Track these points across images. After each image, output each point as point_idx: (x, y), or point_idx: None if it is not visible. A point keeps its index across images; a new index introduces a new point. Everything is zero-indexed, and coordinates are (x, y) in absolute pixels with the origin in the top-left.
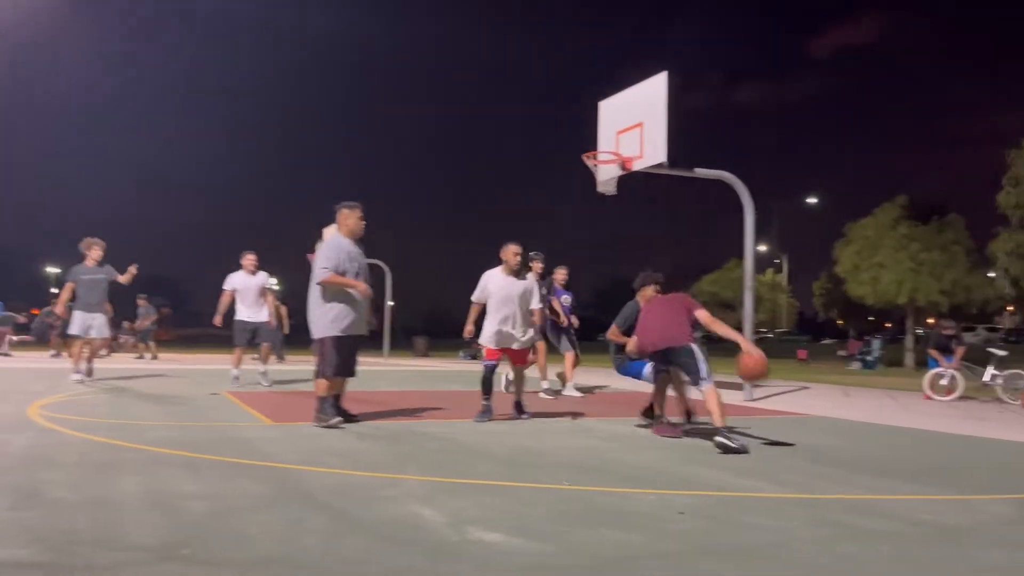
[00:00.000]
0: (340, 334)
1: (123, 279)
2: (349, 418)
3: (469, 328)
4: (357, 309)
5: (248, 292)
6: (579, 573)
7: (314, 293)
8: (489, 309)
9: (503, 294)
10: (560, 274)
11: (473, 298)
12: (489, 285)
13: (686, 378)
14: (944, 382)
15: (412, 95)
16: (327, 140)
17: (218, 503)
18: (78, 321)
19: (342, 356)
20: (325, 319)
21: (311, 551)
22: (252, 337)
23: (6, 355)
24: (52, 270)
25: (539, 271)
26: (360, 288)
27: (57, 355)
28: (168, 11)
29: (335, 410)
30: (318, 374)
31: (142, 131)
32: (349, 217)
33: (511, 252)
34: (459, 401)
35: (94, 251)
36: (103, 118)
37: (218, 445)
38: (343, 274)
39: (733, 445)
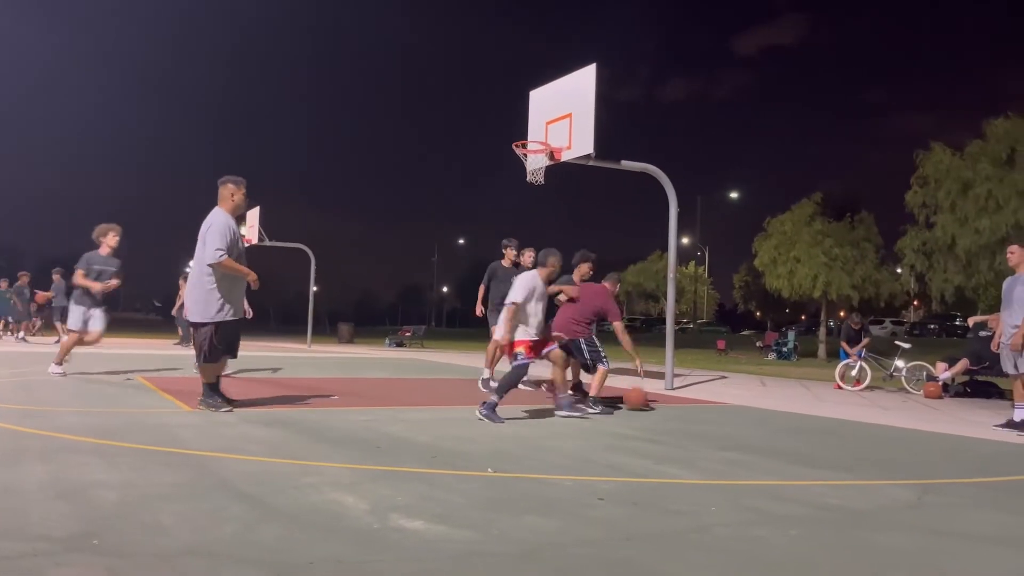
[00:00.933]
0: (229, 319)
1: (112, 285)
2: (229, 402)
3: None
4: (240, 292)
5: None
6: (503, 560)
7: (202, 274)
8: (528, 310)
9: (541, 296)
10: (527, 256)
11: (519, 300)
12: (535, 288)
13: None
14: (854, 373)
15: (345, 80)
16: (257, 120)
17: (131, 492)
18: (78, 315)
19: (228, 340)
20: (212, 304)
21: (228, 540)
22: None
23: None
24: None
25: (529, 262)
26: (252, 277)
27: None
28: None
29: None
30: (207, 359)
31: (63, 109)
32: (236, 193)
33: (555, 262)
34: (383, 389)
35: (111, 238)
36: (20, 95)
37: (132, 432)
38: (234, 257)
39: (593, 410)
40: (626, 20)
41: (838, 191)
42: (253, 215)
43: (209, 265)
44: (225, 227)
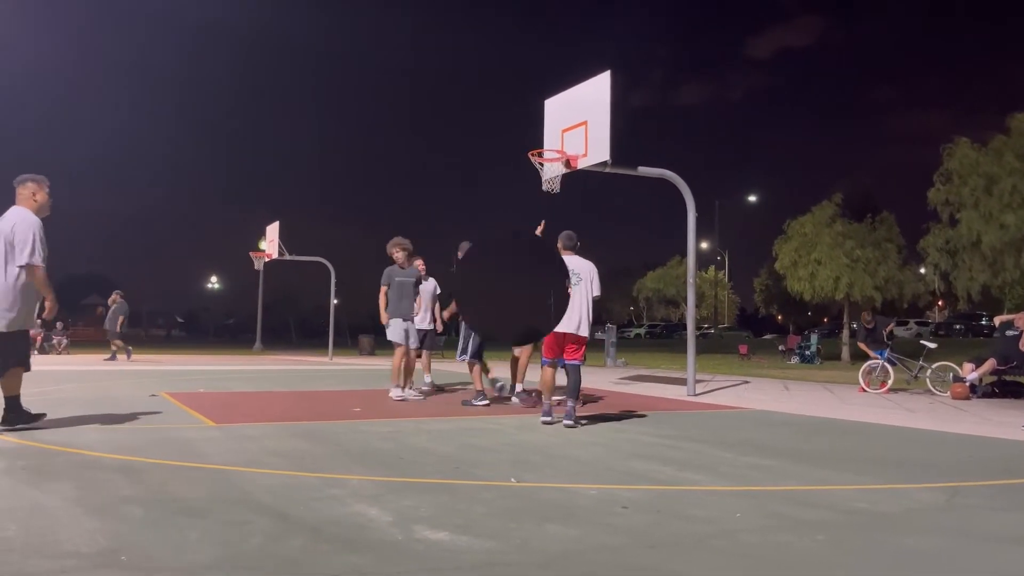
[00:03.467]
0: (28, 328)
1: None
2: (32, 419)
3: None
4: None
5: (423, 298)
6: (526, 569)
7: (16, 279)
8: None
9: None
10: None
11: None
12: None
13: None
14: (877, 374)
15: (358, 90)
16: (272, 135)
17: (156, 507)
18: (398, 328)
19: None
20: (24, 311)
21: (253, 554)
22: (419, 343)
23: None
24: None
25: None
26: (51, 302)
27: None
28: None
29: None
30: (10, 368)
31: (75, 122)
32: (39, 192)
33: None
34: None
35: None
36: (35, 106)
37: (157, 448)
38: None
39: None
40: (638, 26)
41: (858, 191)
42: (273, 230)
43: (20, 267)
44: (40, 229)
